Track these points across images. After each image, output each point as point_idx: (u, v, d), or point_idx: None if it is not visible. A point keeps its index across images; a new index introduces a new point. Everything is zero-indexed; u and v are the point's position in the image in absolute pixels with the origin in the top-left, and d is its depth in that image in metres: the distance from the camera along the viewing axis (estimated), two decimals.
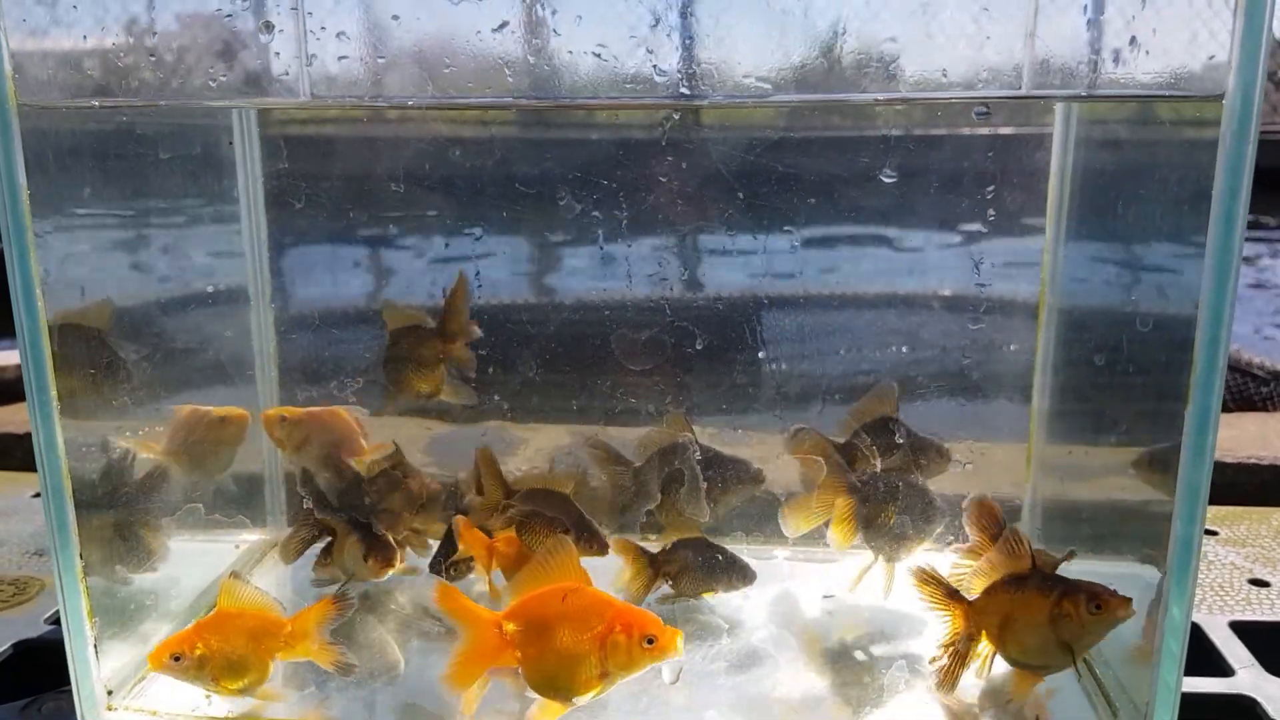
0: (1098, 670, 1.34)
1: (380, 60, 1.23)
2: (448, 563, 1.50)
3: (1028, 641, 1.24)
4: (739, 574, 1.49)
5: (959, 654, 1.28)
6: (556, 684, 1.16)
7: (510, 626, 1.16)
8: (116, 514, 1.40)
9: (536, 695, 1.18)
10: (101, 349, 1.38)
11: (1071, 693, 1.32)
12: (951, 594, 1.29)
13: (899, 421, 1.53)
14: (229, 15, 1.24)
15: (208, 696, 1.30)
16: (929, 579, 1.30)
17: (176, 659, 1.24)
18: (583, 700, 1.16)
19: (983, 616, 1.28)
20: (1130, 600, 1.18)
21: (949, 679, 1.29)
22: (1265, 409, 2.90)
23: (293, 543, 1.55)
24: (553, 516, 1.40)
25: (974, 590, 1.29)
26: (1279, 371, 2.95)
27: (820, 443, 1.49)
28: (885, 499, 1.45)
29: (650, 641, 1.13)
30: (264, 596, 1.29)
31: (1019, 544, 1.26)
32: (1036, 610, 1.23)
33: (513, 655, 1.17)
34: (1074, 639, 1.21)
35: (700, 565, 1.48)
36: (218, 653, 1.24)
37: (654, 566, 1.48)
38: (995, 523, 1.34)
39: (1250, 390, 2.94)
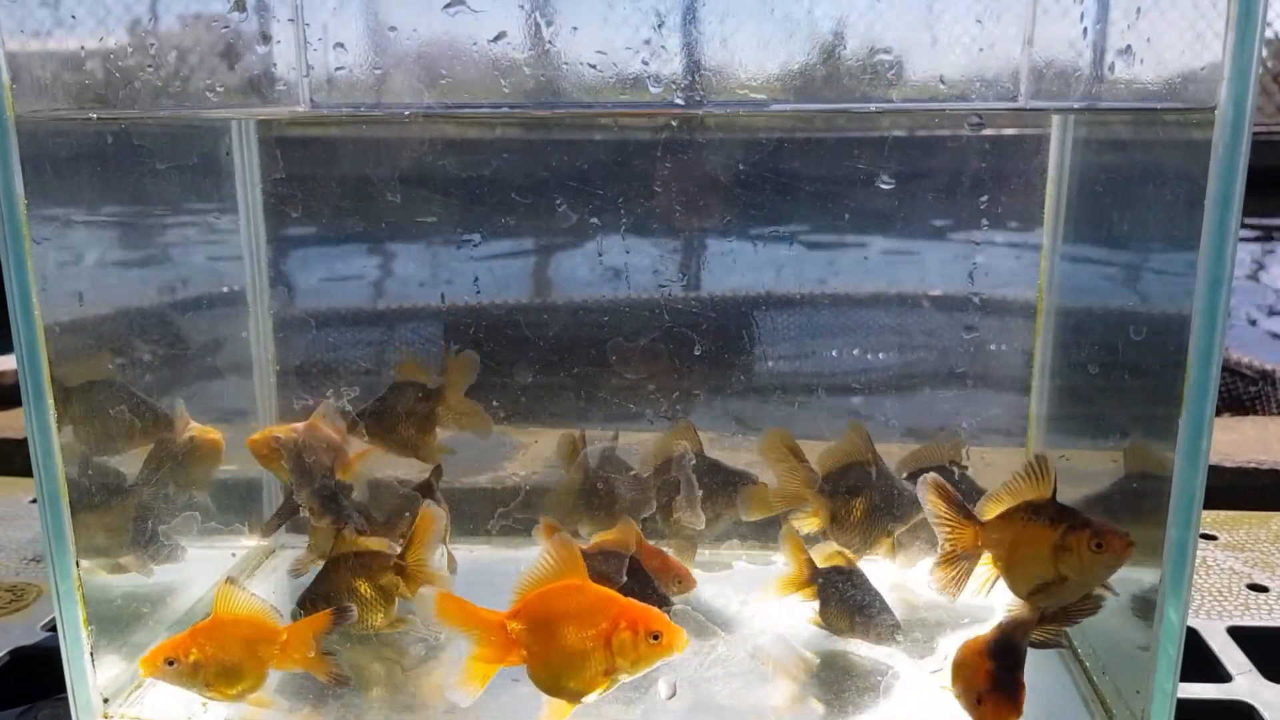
0: (1094, 676, 1.34)
1: (377, 71, 1.24)
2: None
3: (1029, 571, 1.23)
4: (879, 630, 1.38)
5: (960, 570, 1.28)
6: (563, 682, 1.15)
7: (515, 626, 1.16)
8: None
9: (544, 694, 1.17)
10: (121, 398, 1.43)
11: (1068, 698, 1.32)
12: (963, 511, 1.28)
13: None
14: (226, 26, 1.24)
15: (204, 704, 1.30)
16: (941, 491, 1.28)
17: (171, 663, 1.24)
18: (590, 699, 1.16)
19: (991, 540, 1.26)
20: (1132, 543, 1.17)
21: (953, 585, 1.28)
22: (1254, 408, 2.91)
23: (272, 520, 1.57)
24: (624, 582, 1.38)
25: (986, 513, 1.28)
26: (1267, 371, 2.96)
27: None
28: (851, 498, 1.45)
29: (656, 638, 1.12)
30: (260, 604, 1.29)
31: (1044, 472, 1.24)
32: (1041, 541, 1.21)
33: (519, 655, 1.16)
34: (1073, 575, 1.20)
35: (844, 601, 1.40)
36: (212, 659, 1.24)
37: (810, 575, 1.43)
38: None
39: (1239, 390, 2.94)
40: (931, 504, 1.29)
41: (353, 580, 1.39)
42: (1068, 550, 1.19)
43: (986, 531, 1.27)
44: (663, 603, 1.38)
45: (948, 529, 1.28)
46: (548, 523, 1.46)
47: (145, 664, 1.25)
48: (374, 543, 1.42)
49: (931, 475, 1.30)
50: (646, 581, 1.40)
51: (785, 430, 1.48)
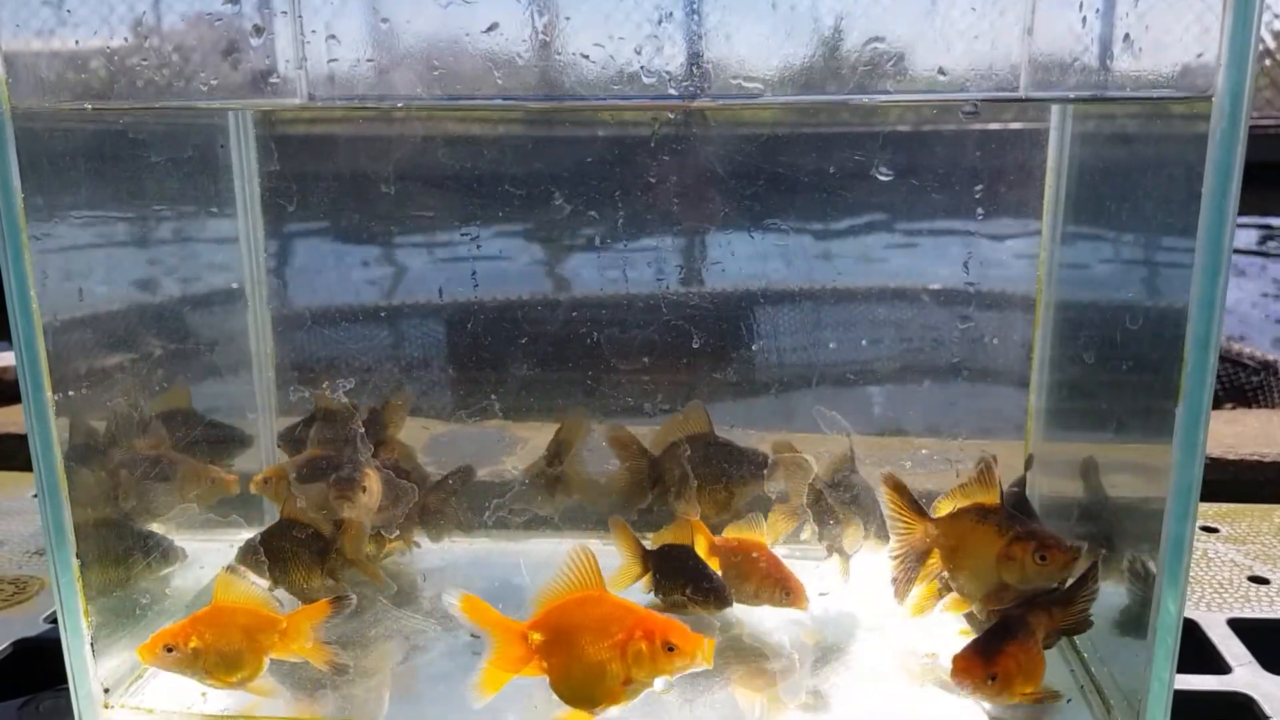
0: (1092, 667, 1.34)
1: (369, 61, 1.24)
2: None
3: (973, 573, 1.26)
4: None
5: (910, 567, 1.31)
6: (581, 693, 1.16)
7: (536, 636, 1.17)
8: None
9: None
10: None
11: (1065, 688, 1.32)
12: (916, 509, 1.31)
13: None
14: (220, 19, 1.24)
15: (203, 694, 1.31)
16: (897, 487, 1.31)
17: (170, 650, 1.24)
18: (609, 710, 1.16)
19: (941, 537, 1.30)
20: (1078, 554, 1.21)
21: (902, 590, 1.32)
22: (1255, 398, 2.92)
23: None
24: (684, 580, 1.41)
25: (938, 512, 1.32)
26: (1268, 361, 2.97)
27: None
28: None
29: (671, 649, 1.13)
30: (260, 593, 1.29)
31: (991, 477, 1.28)
32: (987, 546, 1.25)
33: (538, 665, 1.17)
34: (1016, 583, 1.23)
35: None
36: (211, 647, 1.25)
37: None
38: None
39: (1241, 380, 2.96)
40: (887, 499, 1.32)
41: (292, 549, 1.44)
42: (1011, 559, 1.23)
43: (938, 529, 1.29)
44: (720, 599, 1.38)
45: (901, 526, 1.31)
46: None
47: (144, 651, 1.25)
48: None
49: (889, 471, 1.34)
50: (703, 575, 1.41)
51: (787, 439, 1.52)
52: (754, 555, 1.44)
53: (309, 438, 1.57)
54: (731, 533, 1.48)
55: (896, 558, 1.32)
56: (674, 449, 1.51)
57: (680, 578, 1.42)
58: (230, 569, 1.30)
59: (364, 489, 1.43)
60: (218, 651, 1.25)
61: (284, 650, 1.28)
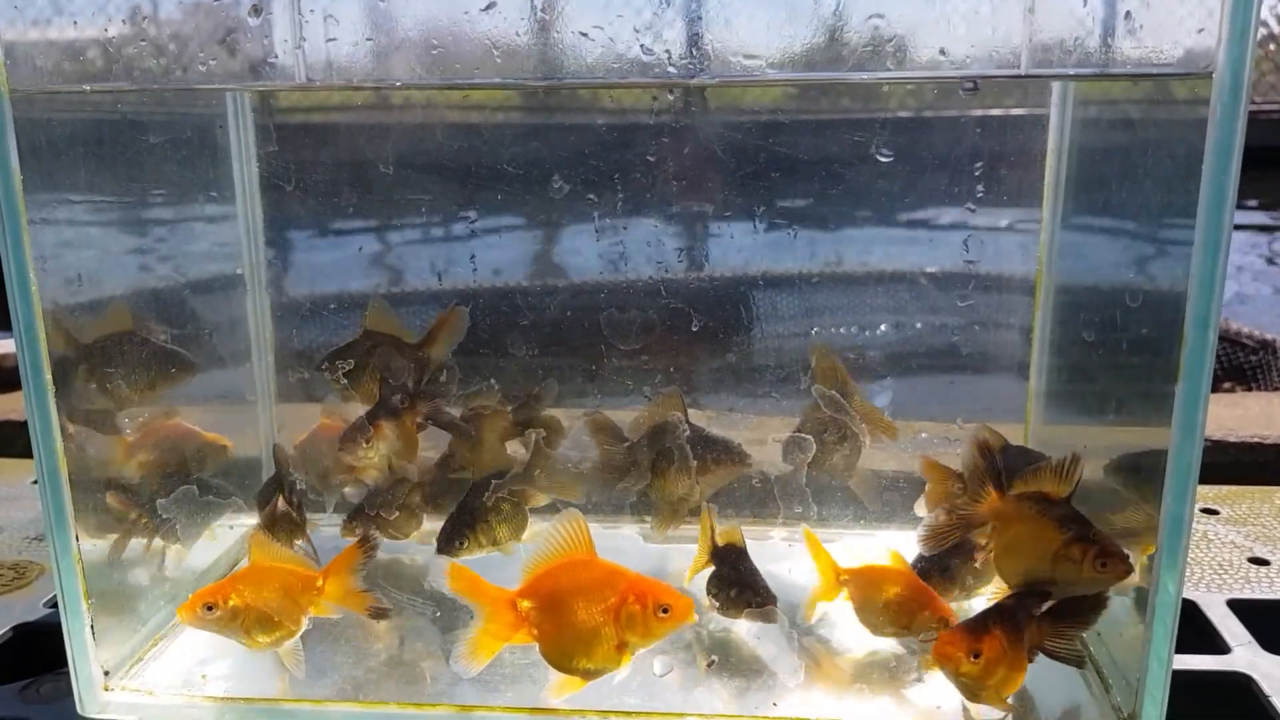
0: (1091, 646, 1.34)
1: (368, 40, 1.23)
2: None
3: (1021, 560, 1.22)
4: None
5: (956, 527, 1.27)
6: (575, 659, 1.15)
7: (525, 603, 1.16)
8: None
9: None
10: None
11: (1064, 668, 1.32)
12: (996, 479, 1.25)
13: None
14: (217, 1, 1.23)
15: (203, 676, 1.31)
16: (984, 451, 1.26)
17: (210, 609, 1.23)
18: (604, 673, 1.16)
19: (1000, 516, 1.25)
20: (1132, 569, 1.17)
21: (930, 541, 1.28)
22: (1254, 377, 2.92)
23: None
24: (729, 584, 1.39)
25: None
26: (1267, 340, 2.97)
27: None
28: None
29: (665, 611, 1.13)
30: (293, 553, 1.31)
31: (1071, 471, 1.20)
32: (1045, 540, 1.19)
33: (528, 633, 1.16)
34: (1066, 583, 1.19)
35: None
36: (252, 605, 1.24)
37: None
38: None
39: (1239, 359, 2.96)
40: (971, 459, 1.27)
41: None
42: (1070, 560, 1.17)
43: (1001, 505, 1.25)
44: (763, 597, 1.36)
45: (975, 488, 1.27)
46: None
47: (183, 611, 1.25)
48: None
49: (984, 428, 1.28)
50: (750, 573, 1.39)
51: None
52: (894, 584, 1.34)
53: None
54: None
55: (949, 513, 1.27)
56: (652, 434, 1.51)
57: (726, 580, 1.40)
58: (264, 528, 1.31)
59: (368, 441, 1.43)
60: (257, 610, 1.24)
61: (324, 605, 1.28)
